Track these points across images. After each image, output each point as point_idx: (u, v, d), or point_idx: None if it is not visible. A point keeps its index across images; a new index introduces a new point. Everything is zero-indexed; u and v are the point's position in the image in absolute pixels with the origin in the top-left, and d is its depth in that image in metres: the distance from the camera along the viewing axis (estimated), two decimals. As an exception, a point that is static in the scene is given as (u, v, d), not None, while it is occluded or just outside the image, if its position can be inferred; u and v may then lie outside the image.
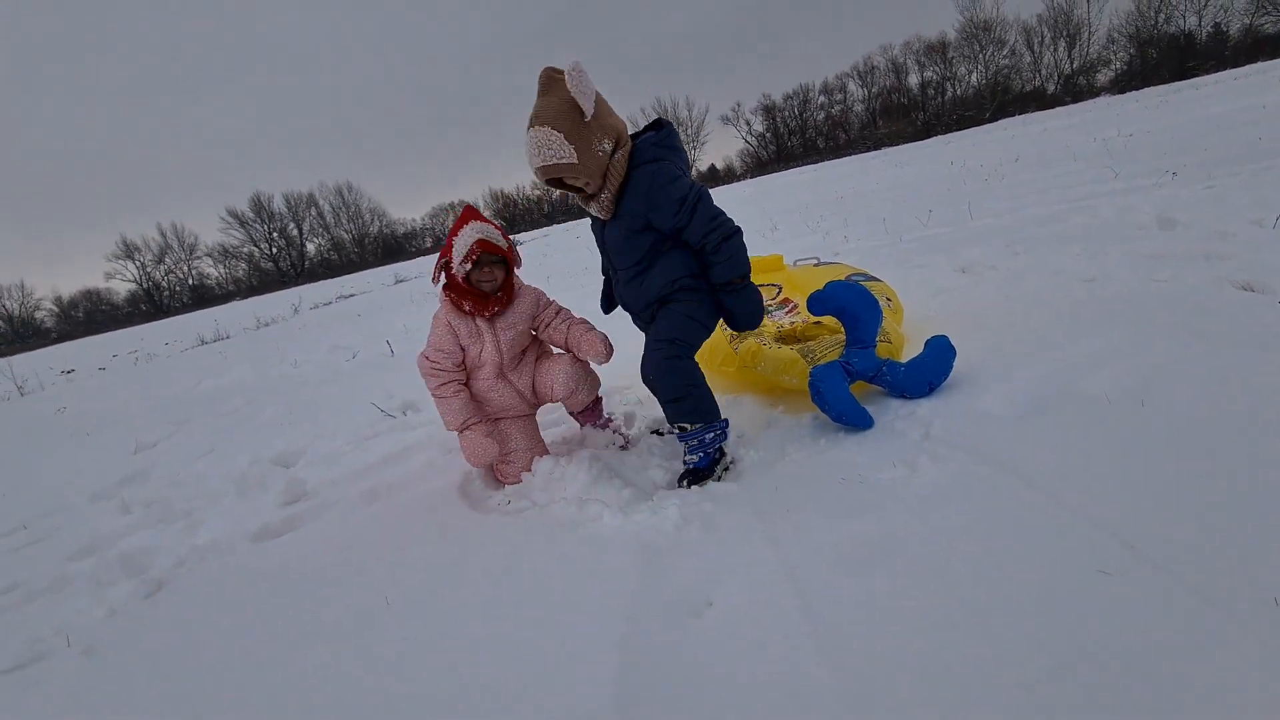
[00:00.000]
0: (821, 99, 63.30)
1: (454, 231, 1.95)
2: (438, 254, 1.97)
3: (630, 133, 1.85)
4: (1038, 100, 47.79)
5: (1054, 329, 2.14)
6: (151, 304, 64.34)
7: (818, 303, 1.98)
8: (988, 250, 3.72)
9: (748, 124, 66.22)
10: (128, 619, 1.48)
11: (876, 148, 45.62)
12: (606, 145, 1.75)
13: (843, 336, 2.08)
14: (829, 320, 2.24)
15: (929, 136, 44.98)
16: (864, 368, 1.92)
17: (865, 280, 2.60)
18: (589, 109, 1.69)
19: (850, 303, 1.94)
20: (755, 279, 3.22)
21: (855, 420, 1.78)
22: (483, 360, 2.01)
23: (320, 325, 11.01)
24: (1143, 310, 2.13)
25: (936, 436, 1.61)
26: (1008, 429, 1.54)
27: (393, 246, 68.55)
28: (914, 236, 5.51)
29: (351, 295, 19.29)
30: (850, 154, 48.53)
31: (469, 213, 1.97)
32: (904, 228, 6.15)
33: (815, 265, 3.04)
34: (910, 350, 2.23)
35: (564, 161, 1.70)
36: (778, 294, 3.08)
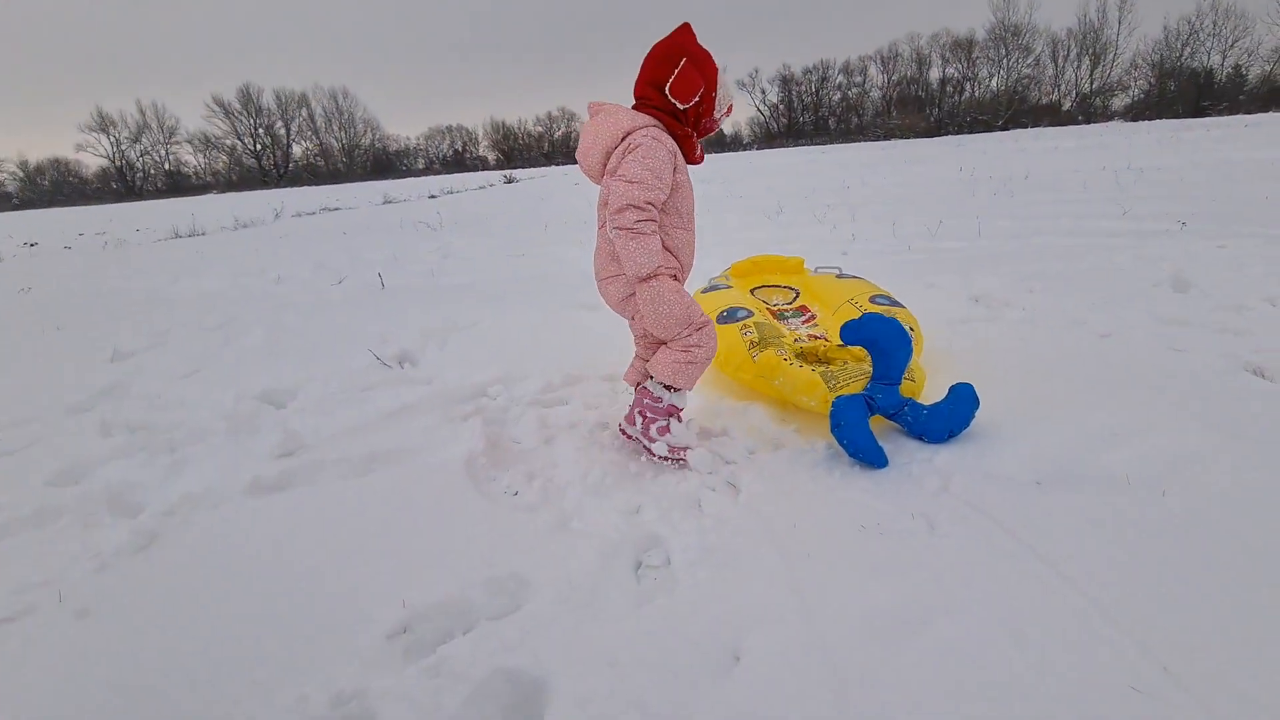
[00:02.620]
0: (840, 78, 62.28)
1: (705, 67, 1.76)
2: (679, 71, 1.72)
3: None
4: (1051, 115, 47.69)
5: (1073, 390, 2.15)
6: (124, 183, 61.59)
7: (851, 331, 1.95)
8: (1002, 281, 3.72)
9: (763, 93, 64.98)
10: (120, 576, 1.42)
11: (887, 138, 45.24)
12: None
13: (868, 366, 2.07)
14: (855, 348, 2.22)
15: (940, 134, 44.69)
16: (886, 404, 1.91)
17: (889, 304, 2.57)
18: None
19: (885, 336, 1.91)
20: (774, 279, 3.21)
21: (872, 459, 1.78)
22: (685, 206, 1.83)
23: (303, 237, 10.62)
24: (1161, 384, 2.15)
25: (955, 493, 1.62)
26: (1029, 499, 1.55)
27: (383, 162, 66.45)
28: (923, 247, 5.50)
29: (336, 209, 18.67)
30: (861, 140, 48.11)
31: (701, 47, 1.79)
32: (913, 235, 6.13)
33: (837, 276, 3.00)
34: (928, 387, 2.23)
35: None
36: (794, 298, 3.05)
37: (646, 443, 1.88)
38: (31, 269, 8.61)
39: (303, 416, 2.41)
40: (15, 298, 6.14)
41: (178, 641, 1.22)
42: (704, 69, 1.76)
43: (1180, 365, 2.32)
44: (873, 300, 2.61)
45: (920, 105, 55.87)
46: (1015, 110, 46.77)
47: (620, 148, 1.74)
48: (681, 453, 1.86)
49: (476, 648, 1.16)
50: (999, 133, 39.49)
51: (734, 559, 1.39)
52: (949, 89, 56.09)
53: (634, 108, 1.82)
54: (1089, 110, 48.66)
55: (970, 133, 43.60)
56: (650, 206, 1.66)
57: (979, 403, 1.89)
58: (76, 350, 3.66)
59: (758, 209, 9.61)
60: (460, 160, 70.32)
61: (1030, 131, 35.11)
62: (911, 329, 2.42)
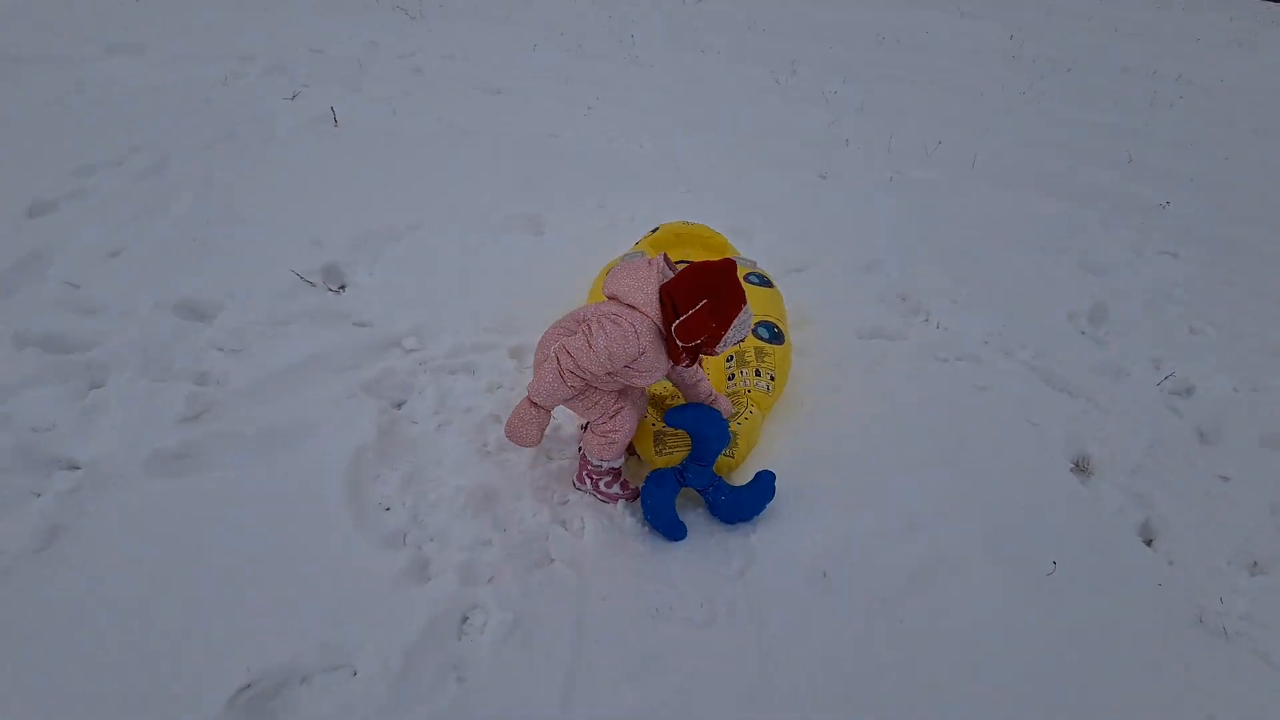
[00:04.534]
0: None
1: (725, 313, 1.82)
2: (694, 314, 1.80)
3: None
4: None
5: (911, 464, 2.41)
6: None
7: (674, 417, 2.13)
8: (935, 271, 3.71)
9: None
10: (21, 581, 1.67)
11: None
12: None
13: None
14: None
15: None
16: (696, 481, 2.14)
17: (760, 283, 2.76)
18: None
19: (704, 428, 2.10)
20: (686, 250, 3.15)
21: (668, 533, 2.08)
22: (646, 382, 2.01)
23: None
24: (987, 471, 2.43)
25: (749, 581, 1.95)
26: (806, 600, 1.91)
27: None
28: (850, 112, 5.30)
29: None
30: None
31: (739, 288, 1.87)
32: (855, 71, 5.87)
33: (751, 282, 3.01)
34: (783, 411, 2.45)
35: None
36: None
37: (600, 498, 2.19)
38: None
39: (217, 357, 2.54)
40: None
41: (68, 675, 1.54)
42: (722, 315, 1.83)
43: (1021, 446, 2.58)
44: (746, 279, 2.68)
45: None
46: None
47: (617, 309, 1.86)
48: (628, 490, 2.20)
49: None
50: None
51: (533, 638, 1.73)
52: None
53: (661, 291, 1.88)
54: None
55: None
56: (589, 374, 1.81)
57: (774, 495, 2.13)
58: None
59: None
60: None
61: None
62: (779, 329, 2.62)
